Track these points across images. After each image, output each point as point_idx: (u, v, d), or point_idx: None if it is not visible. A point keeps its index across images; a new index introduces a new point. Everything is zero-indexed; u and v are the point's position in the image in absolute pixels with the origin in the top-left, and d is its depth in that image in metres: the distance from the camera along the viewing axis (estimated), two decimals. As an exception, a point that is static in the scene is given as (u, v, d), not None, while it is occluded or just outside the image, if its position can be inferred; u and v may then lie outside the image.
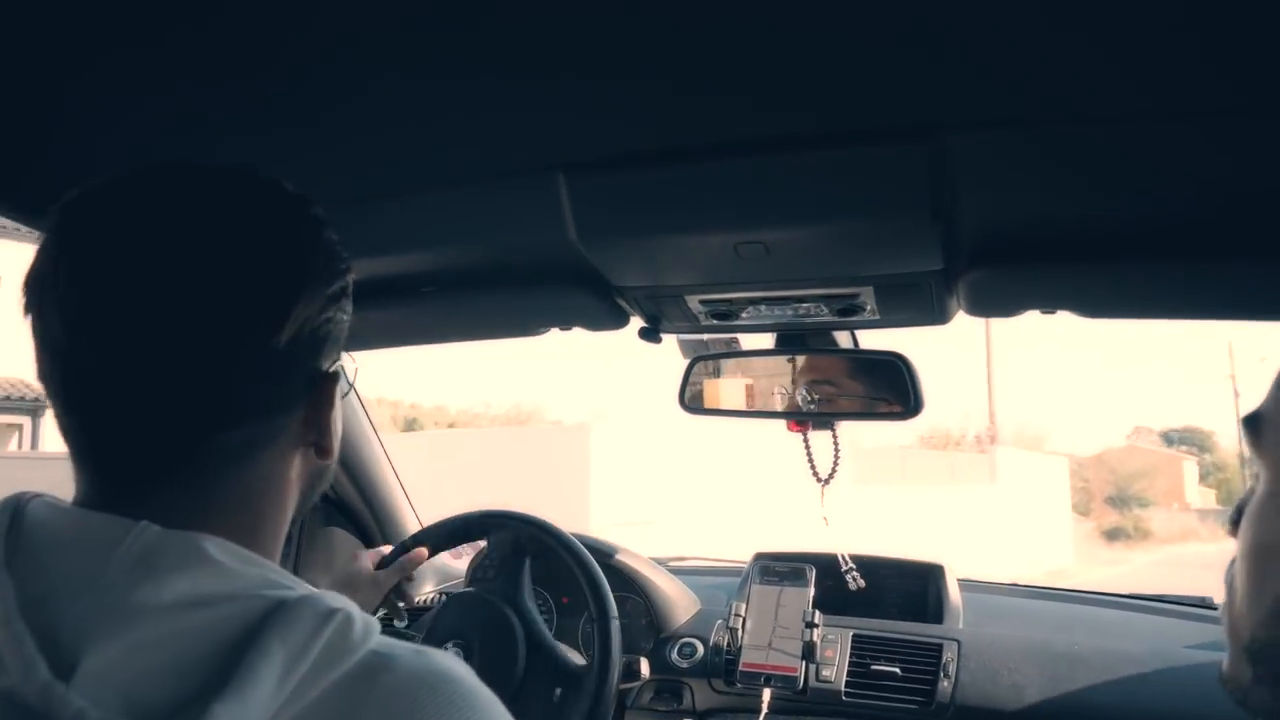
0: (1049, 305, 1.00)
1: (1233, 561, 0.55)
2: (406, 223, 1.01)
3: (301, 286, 0.54)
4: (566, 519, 1.43)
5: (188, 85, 0.72)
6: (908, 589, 1.60)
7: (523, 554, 1.39)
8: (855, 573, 1.53)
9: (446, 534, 1.47)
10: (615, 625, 1.26)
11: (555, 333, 1.22)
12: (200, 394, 0.51)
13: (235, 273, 0.51)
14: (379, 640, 0.50)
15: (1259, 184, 0.78)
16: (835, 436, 1.29)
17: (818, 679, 1.40)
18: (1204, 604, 1.57)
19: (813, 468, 1.30)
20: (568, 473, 9.20)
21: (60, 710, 0.43)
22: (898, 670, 1.40)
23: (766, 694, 1.37)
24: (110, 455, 0.52)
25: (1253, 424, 0.54)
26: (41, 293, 0.52)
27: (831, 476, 1.30)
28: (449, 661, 0.51)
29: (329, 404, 0.58)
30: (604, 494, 9.18)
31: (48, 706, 0.43)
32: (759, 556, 1.61)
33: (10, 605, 0.46)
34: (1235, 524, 0.55)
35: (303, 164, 0.86)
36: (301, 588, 0.50)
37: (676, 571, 1.71)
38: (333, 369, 0.58)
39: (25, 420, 9.64)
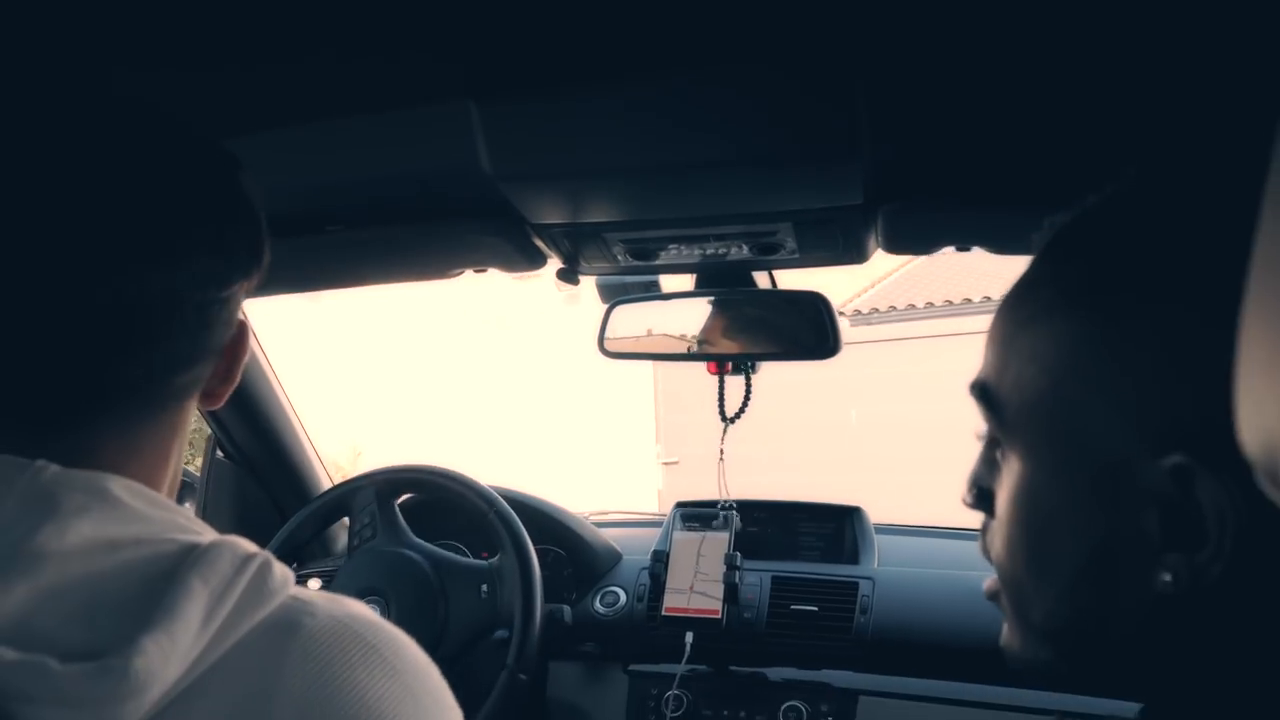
0: (963, 241, 1.02)
1: (987, 534, 0.49)
2: (307, 155, 0.95)
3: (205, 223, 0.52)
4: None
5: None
6: (824, 532, 1.63)
7: (388, 497, 1.41)
8: None
9: (317, 519, 1.46)
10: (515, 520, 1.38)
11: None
12: (100, 328, 0.48)
13: (142, 204, 0.49)
14: (296, 588, 0.50)
15: None
16: (749, 378, 1.29)
17: (739, 621, 1.42)
18: None
19: (721, 408, 1.30)
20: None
21: None
22: (816, 609, 1.43)
23: (689, 638, 1.38)
24: (8, 392, 0.49)
25: (985, 396, 0.46)
26: None
27: (738, 416, 1.31)
28: (364, 608, 0.52)
29: (243, 351, 0.57)
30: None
31: None
32: (680, 505, 1.61)
33: None
34: (978, 497, 0.49)
35: (188, 90, 0.80)
36: (211, 533, 0.49)
37: (599, 526, 1.71)
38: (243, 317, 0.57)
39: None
